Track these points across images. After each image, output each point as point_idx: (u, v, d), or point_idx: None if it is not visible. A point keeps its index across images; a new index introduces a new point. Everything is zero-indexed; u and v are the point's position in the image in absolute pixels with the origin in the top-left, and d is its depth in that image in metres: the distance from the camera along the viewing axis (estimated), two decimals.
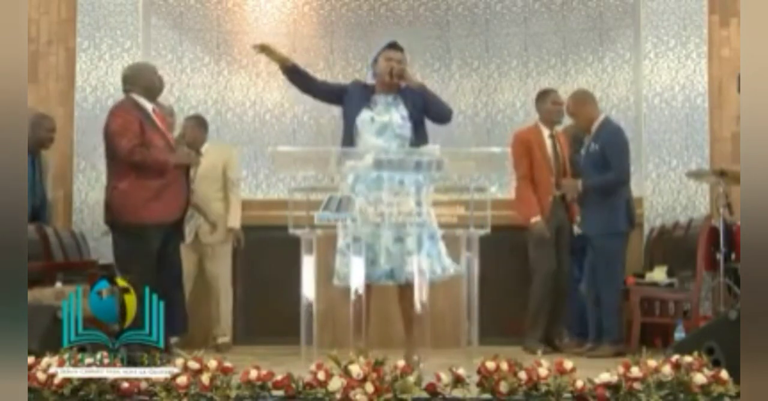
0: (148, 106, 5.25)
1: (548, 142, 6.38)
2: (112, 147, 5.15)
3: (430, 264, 4.70)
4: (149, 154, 5.08)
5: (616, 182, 5.96)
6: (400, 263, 4.73)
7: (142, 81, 5.28)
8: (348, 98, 5.13)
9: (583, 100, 6.19)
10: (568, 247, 6.35)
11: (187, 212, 5.44)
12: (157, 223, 5.09)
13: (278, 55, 5.21)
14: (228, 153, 6.63)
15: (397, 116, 5.03)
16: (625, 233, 6.07)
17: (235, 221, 6.44)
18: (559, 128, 6.52)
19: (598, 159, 5.97)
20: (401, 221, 4.52)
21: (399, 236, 4.71)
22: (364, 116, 5.03)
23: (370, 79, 5.28)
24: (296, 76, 5.22)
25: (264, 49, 5.17)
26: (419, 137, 5.03)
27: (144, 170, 5.07)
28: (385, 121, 5.01)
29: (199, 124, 6.51)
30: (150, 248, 5.05)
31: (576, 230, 6.24)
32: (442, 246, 4.82)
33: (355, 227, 4.47)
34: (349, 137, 5.02)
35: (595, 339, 5.96)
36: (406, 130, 5.01)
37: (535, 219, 6.22)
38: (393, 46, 5.17)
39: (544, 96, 6.54)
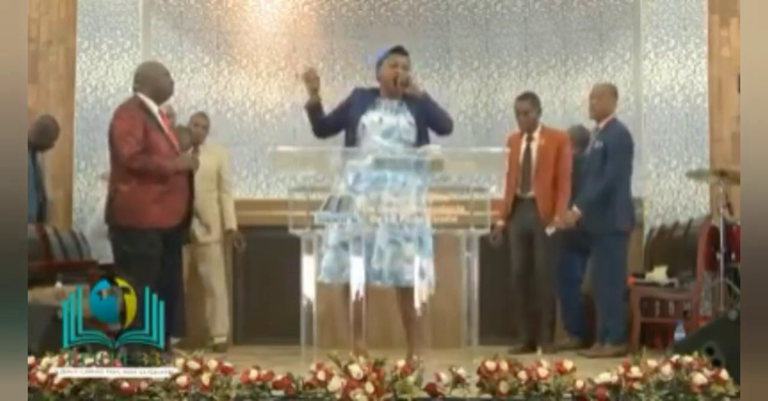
0: (155, 108, 5.21)
1: (522, 146, 6.28)
2: (114, 151, 5.13)
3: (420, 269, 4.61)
4: (150, 160, 5.05)
5: (612, 183, 5.93)
6: (390, 265, 4.69)
7: (151, 82, 5.23)
8: (353, 104, 5.06)
9: (604, 92, 6.18)
10: (542, 248, 6.13)
11: (191, 217, 5.42)
12: (157, 227, 5.06)
13: (314, 86, 5.03)
14: (221, 154, 6.63)
15: (404, 121, 4.98)
16: (627, 232, 6.07)
17: (232, 222, 6.46)
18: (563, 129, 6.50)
19: (601, 158, 5.97)
20: (401, 223, 4.50)
21: (394, 238, 4.67)
22: (372, 116, 4.96)
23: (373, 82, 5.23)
24: (317, 114, 5.04)
25: (309, 78, 5.00)
26: (423, 144, 5.00)
27: (146, 175, 5.05)
28: (393, 124, 4.96)
29: (207, 124, 6.59)
30: (150, 252, 5.02)
31: (548, 230, 6.09)
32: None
33: (356, 226, 4.45)
34: (352, 137, 4.98)
35: (598, 339, 5.96)
36: (412, 135, 4.97)
37: (498, 223, 6.17)
38: (398, 50, 5.10)
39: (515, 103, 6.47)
